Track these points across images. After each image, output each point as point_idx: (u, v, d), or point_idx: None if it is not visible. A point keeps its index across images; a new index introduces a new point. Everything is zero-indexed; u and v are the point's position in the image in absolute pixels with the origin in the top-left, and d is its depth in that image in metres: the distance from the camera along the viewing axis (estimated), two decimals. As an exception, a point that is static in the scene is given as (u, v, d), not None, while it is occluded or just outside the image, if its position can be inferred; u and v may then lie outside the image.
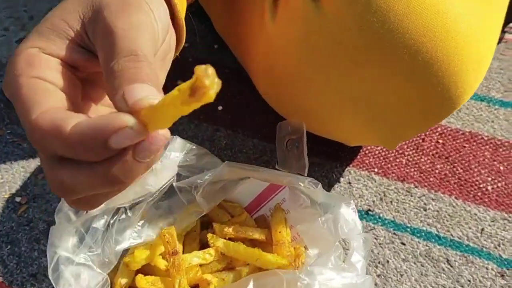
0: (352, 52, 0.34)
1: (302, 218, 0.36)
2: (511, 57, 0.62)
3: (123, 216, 0.34)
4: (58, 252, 0.30)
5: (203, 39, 0.62)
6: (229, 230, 0.38)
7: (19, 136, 0.51)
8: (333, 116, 0.39)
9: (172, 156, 0.34)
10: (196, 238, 0.39)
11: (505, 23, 0.60)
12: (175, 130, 0.52)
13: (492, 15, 0.41)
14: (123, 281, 0.34)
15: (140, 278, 0.33)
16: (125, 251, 0.35)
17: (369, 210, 0.45)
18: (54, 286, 0.29)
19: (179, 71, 0.58)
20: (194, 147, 0.36)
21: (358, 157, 0.50)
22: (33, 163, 0.49)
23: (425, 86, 0.35)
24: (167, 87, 0.56)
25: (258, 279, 0.27)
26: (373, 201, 0.46)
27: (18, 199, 0.46)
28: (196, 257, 0.36)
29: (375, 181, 0.48)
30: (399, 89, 0.36)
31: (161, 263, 0.36)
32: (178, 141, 0.36)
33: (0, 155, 0.49)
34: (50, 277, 0.29)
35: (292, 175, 0.37)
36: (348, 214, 0.32)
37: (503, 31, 0.62)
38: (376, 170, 0.49)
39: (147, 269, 0.36)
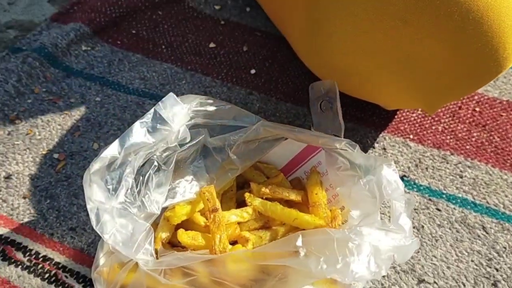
0: (402, 9, 0.33)
1: (341, 180, 0.36)
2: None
3: (157, 170, 0.34)
4: (97, 204, 0.30)
5: (234, 1, 0.61)
6: (266, 190, 0.38)
7: (55, 94, 0.52)
8: (376, 77, 0.39)
9: (177, 106, 0.34)
10: (232, 198, 0.40)
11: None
12: (208, 92, 0.52)
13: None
14: (163, 235, 0.35)
15: (181, 232, 0.34)
16: (165, 208, 0.36)
17: (404, 176, 0.45)
18: (101, 235, 0.30)
19: (211, 33, 0.58)
20: (208, 99, 0.36)
21: (393, 123, 0.49)
22: (69, 121, 0.49)
23: (474, 46, 0.35)
24: (200, 50, 0.55)
25: (307, 236, 0.27)
26: (408, 167, 0.46)
27: (56, 155, 0.46)
28: (234, 215, 0.36)
29: (411, 148, 0.47)
30: (447, 49, 0.35)
31: (200, 220, 0.36)
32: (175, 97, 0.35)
33: (37, 113, 0.50)
34: (94, 228, 0.30)
35: (329, 136, 0.37)
36: (390, 175, 0.32)
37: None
38: (411, 136, 0.48)
39: (186, 225, 0.36)
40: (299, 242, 0.27)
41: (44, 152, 0.47)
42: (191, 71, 0.54)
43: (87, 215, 0.42)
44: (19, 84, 0.52)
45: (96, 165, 0.31)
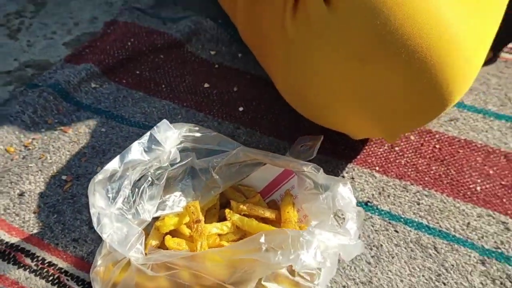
0: (359, 51, 0.41)
1: (307, 198, 0.42)
2: (510, 75, 0.68)
3: (150, 184, 0.40)
4: (98, 209, 0.37)
5: (228, 48, 0.69)
6: (244, 207, 0.44)
7: (65, 125, 0.59)
8: (341, 110, 0.46)
9: (172, 132, 0.41)
10: (216, 214, 0.46)
11: (503, 44, 0.66)
12: (200, 124, 0.59)
13: (483, 26, 0.47)
14: (153, 242, 0.41)
15: (168, 238, 0.40)
16: (155, 218, 0.42)
17: (368, 201, 0.51)
18: (100, 234, 0.36)
19: (206, 75, 0.66)
20: (195, 127, 0.43)
21: (362, 156, 0.56)
22: (77, 148, 0.56)
23: (420, 83, 0.42)
24: (196, 89, 0.63)
25: (268, 235, 0.33)
26: (373, 195, 0.52)
27: (64, 177, 0.53)
28: (215, 228, 0.43)
29: (376, 178, 0.54)
30: (398, 85, 0.42)
31: (186, 231, 0.42)
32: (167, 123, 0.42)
33: (49, 140, 0.57)
34: (95, 228, 0.36)
35: (298, 161, 0.43)
36: (344, 191, 0.38)
37: (499, 50, 0.68)
38: (377, 168, 0.55)
39: (173, 234, 0.42)
40: (262, 240, 0.33)
41: (53, 174, 0.53)
42: (186, 107, 0.61)
43: (89, 228, 0.48)
44: (34, 115, 0.59)
45: (99, 176, 0.38)
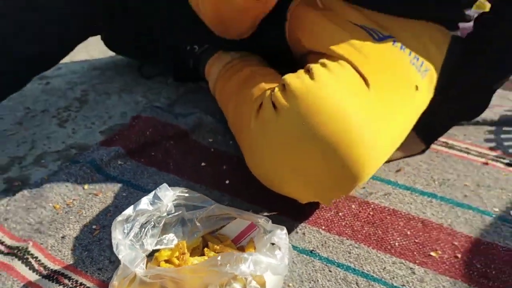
0: (293, 141, 0.62)
1: (257, 238, 0.62)
2: (438, 163, 0.88)
3: (152, 227, 0.60)
4: (117, 240, 0.56)
5: (222, 137, 0.91)
6: (217, 247, 0.63)
7: (97, 190, 0.80)
8: (286, 182, 0.66)
9: (169, 192, 0.62)
10: (198, 252, 0.65)
11: (435, 137, 0.87)
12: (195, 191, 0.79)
13: (389, 128, 0.68)
14: (152, 266, 0.60)
15: (163, 263, 0.59)
16: (155, 250, 0.62)
17: (313, 250, 0.70)
18: (117, 256, 0.55)
19: (204, 157, 0.87)
20: (186, 190, 0.64)
21: (313, 218, 0.75)
22: (104, 207, 0.77)
23: (334, 166, 0.62)
24: (195, 167, 0.84)
25: (222, 256, 0.52)
26: (317, 246, 0.71)
27: (94, 226, 0.73)
28: (195, 260, 0.62)
29: (321, 234, 0.73)
30: (320, 167, 0.62)
31: (175, 261, 0.61)
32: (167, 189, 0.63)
33: (85, 201, 0.78)
34: (114, 251, 0.56)
35: (255, 215, 0.63)
36: (280, 233, 0.58)
37: (430, 143, 0.88)
38: (323, 227, 0.74)
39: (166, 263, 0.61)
40: (218, 258, 0.52)
41: (86, 224, 0.74)
42: (187, 179, 0.82)
43: (109, 262, 0.68)
44: (75, 183, 0.81)
45: (119, 218, 0.58)
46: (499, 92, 1.08)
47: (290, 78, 0.66)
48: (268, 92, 0.69)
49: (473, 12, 0.87)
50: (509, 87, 1.12)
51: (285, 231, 0.59)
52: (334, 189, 0.65)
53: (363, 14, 0.81)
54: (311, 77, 0.65)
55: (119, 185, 0.81)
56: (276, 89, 0.66)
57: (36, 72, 0.92)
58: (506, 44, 0.79)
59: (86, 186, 0.81)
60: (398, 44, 0.76)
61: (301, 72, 0.67)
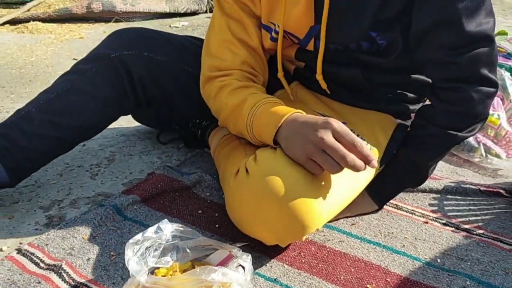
0: (258, 197, 0.85)
1: (231, 263, 0.84)
2: (387, 220, 1.10)
3: (155, 249, 0.83)
4: (128, 256, 0.79)
5: (217, 191, 1.15)
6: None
7: (117, 228, 1.04)
8: (253, 227, 0.89)
9: (169, 225, 0.85)
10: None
11: (387, 199, 1.09)
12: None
13: (333, 191, 0.91)
14: (152, 278, 0.83)
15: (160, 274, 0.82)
16: (155, 268, 0.84)
17: (276, 278, 0.92)
18: (128, 268, 0.78)
19: (201, 206, 1.10)
20: (181, 225, 0.87)
21: (279, 256, 0.97)
22: (121, 239, 1.00)
23: (288, 218, 0.84)
24: (193, 213, 1.08)
25: (200, 268, 0.75)
26: (280, 275, 0.92)
27: (111, 253, 0.96)
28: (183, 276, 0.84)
29: (284, 267, 0.94)
30: (276, 218, 0.84)
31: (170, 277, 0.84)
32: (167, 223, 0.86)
33: (107, 234, 1.01)
34: (126, 265, 0.78)
35: (231, 245, 0.86)
36: (246, 258, 0.80)
37: (383, 204, 1.10)
38: (287, 262, 0.96)
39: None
40: (197, 270, 0.75)
41: (106, 251, 0.97)
42: (186, 222, 1.05)
43: (121, 279, 0.90)
44: (100, 221, 1.05)
45: (131, 241, 0.81)
46: (449, 166, 1.31)
47: (260, 151, 0.91)
48: (245, 160, 0.93)
49: (418, 105, 1.12)
50: (458, 163, 1.35)
51: (250, 257, 0.82)
52: (288, 235, 0.88)
53: (325, 104, 1.07)
54: (275, 151, 0.90)
55: (134, 224, 1.05)
56: (250, 158, 0.91)
57: (80, 140, 1.17)
58: (437, 132, 1.01)
59: (108, 224, 1.04)
60: (350, 128, 1.01)
61: (269, 147, 0.92)
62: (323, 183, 0.89)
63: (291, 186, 0.85)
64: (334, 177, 0.91)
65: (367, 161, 0.85)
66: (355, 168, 0.84)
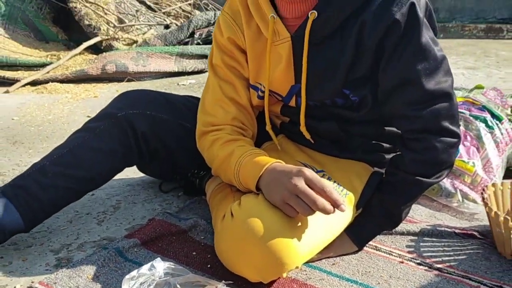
0: (241, 238, 0.97)
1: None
2: (365, 260, 1.19)
3: (148, 284, 0.94)
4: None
5: (210, 235, 1.26)
6: (190, 302, 0.96)
7: (117, 268, 1.15)
8: (237, 265, 0.99)
9: (161, 264, 0.96)
10: (178, 307, 0.98)
11: (366, 240, 1.19)
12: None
13: (309, 233, 1.02)
14: (146, 310, 0.93)
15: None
16: (149, 301, 0.95)
17: (259, 312, 1.01)
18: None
19: (195, 248, 1.21)
20: (173, 264, 0.98)
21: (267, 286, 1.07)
22: (122, 277, 1.11)
23: (268, 256, 0.95)
24: (188, 254, 1.20)
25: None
26: (263, 310, 1.02)
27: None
28: (175, 309, 0.94)
29: (267, 303, 1.04)
30: (258, 257, 0.95)
31: (161, 309, 0.94)
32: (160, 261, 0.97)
33: (109, 273, 1.12)
34: (123, 296, 0.89)
35: (217, 281, 0.96)
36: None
37: (362, 245, 1.20)
38: (270, 298, 1.05)
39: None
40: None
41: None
42: (181, 263, 1.16)
43: (120, 313, 1.01)
44: (103, 262, 1.16)
45: (127, 276, 0.92)
46: (429, 211, 1.42)
47: (244, 196, 1.03)
48: (231, 205, 1.05)
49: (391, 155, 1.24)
50: (437, 208, 1.45)
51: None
52: (269, 271, 0.98)
53: (307, 155, 1.20)
54: (257, 196, 1.02)
55: (133, 265, 1.16)
56: (235, 203, 1.03)
57: (89, 190, 1.31)
58: (407, 178, 1.13)
59: (110, 265, 1.16)
60: (326, 175, 1.13)
61: (252, 193, 1.05)
62: (299, 224, 1.00)
63: (270, 227, 0.96)
64: (309, 219, 1.02)
65: (335, 205, 0.96)
66: (325, 211, 0.95)
